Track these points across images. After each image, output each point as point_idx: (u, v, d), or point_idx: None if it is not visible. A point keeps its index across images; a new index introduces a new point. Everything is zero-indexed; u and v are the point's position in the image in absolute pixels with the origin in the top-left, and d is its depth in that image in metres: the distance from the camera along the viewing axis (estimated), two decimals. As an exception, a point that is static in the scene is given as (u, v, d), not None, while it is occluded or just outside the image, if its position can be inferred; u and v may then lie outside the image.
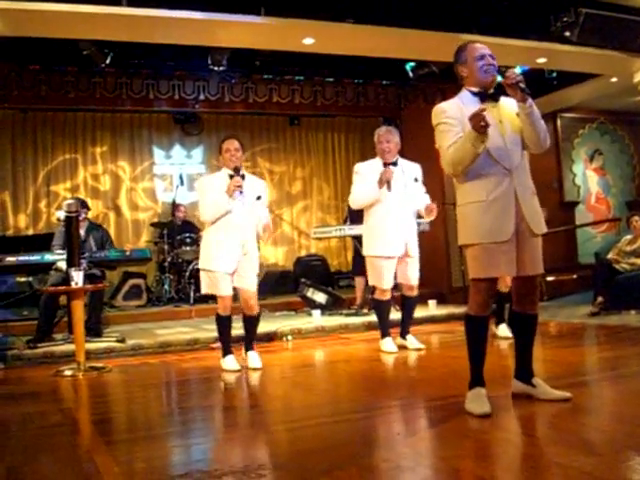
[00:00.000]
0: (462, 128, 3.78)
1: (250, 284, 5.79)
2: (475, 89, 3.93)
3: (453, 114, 3.84)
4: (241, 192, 5.67)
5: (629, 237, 8.87)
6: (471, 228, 3.86)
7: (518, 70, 9.06)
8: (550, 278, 9.30)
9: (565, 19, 7.61)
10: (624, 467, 2.93)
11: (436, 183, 6.61)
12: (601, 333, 7.33)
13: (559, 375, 4.64)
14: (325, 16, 7.27)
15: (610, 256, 8.80)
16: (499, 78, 3.88)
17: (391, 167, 6.23)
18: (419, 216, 6.48)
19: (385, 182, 6.13)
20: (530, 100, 3.75)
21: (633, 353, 5.83)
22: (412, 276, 6.37)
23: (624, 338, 6.77)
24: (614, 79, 9.85)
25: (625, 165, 12.84)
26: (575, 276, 10.40)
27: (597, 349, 6.75)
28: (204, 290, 5.87)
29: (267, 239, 6.19)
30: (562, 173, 11.88)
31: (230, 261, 5.65)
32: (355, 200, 6.44)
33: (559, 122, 11.62)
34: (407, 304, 6.57)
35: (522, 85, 3.70)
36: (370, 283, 6.55)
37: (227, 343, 5.87)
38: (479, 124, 3.58)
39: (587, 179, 12.32)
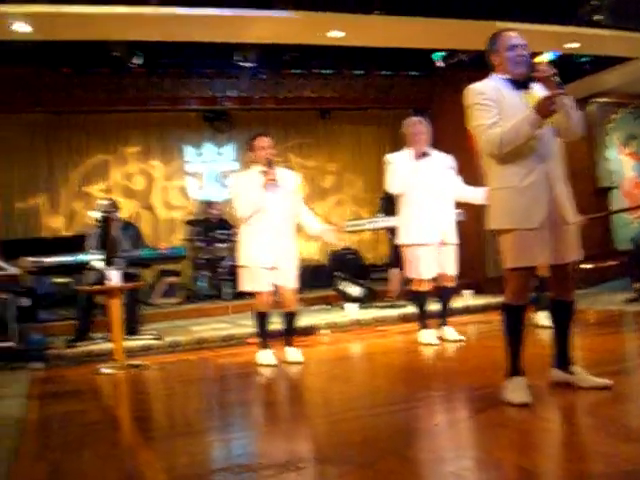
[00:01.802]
0: (498, 111, 3.75)
1: (289, 281, 5.80)
2: (506, 76, 3.89)
3: (490, 95, 3.79)
4: (276, 183, 5.69)
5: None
6: (502, 213, 3.83)
7: (549, 56, 8.98)
8: (587, 265, 9.18)
9: (593, 2, 7.51)
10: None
11: (471, 171, 6.53)
12: (639, 320, 7.24)
13: (598, 363, 4.59)
14: (353, 8, 7.25)
15: (647, 242, 8.68)
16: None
17: (422, 162, 6.20)
18: (459, 205, 6.41)
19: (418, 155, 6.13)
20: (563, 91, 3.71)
21: (673, 339, 5.76)
22: (449, 266, 6.33)
23: (663, 324, 6.69)
24: (647, 62, 9.71)
25: (660, 150, 12.62)
26: (612, 263, 10.27)
27: (636, 336, 6.66)
28: (243, 287, 5.89)
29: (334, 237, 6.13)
30: (595, 159, 11.72)
31: (268, 256, 5.66)
32: (392, 183, 6.34)
33: (591, 107, 11.47)
34: (444, 295, 6.51)
35: (556, 78, 3.66)
36: (407, 274, 6.50)
37: (265, 338, 5.89)
38: (549, 108, 3.56)
39: (622, 164, 12.14)
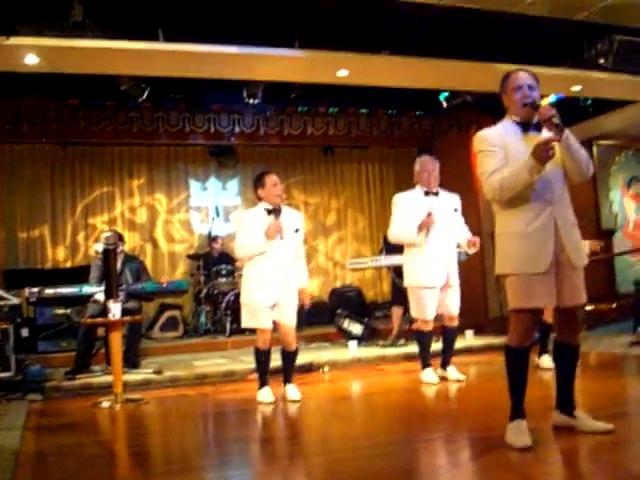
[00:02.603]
0: (504, 155, 3.77)
1: (290, 319, 5.79)
2: (517, 119, 3.92)
3: (495, 141, 3.83)
4: (281, 238, 5.70)
5: (669, 265, 8.73)
6: (509, 258, 3.83)
7: (552, 99, 9.05)
8: (589, 308, 9.16)
9: (599, 46, 7.57)
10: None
11: (472, 212, 6.59)
12: (642, 363, 7.21)
13: (601, 406, 4.55)
14: (359, 48, 7.31)
15: (650, 285, 8.67)
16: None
17: (432, 200, 6.23)
18: (458, 246, 6.44)
19: (425, 228, 6.13)
20: (566, 132, 3.72)
21: (676, 384, 5.72)
22: (453, 306, 6.30)
23: (666, 368, 6.65)
24: (650, 105, 9.78)
25: (663, 192, 12.65)
26: (614, 305, 10.23)
27: (638, 380, 6.62)
28: (245, 324, 5.86)
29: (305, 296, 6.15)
30: (599, 201, 11.75)
31: (270, 295, 5.65)
32: (395, 235, 6.40)
33: (595, 149, 11.53)
34: (448, 334, 6.48)
35: (555, 120, 3.67)
36: (413, 314, 6.48)
37: (264, 375, 5.86)
38: (545, 153, 3.57)
39: (624, 206, 12.17)
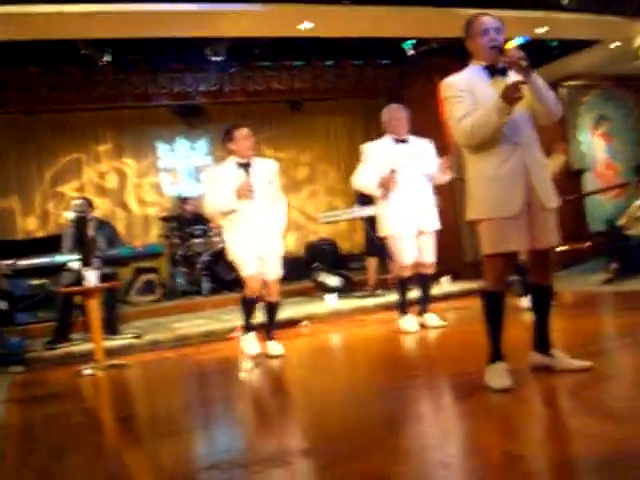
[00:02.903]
0: (472, 100, 3.77)
1: (273, 270, 5.80)
2: (483, 63, 3.90)
3: (462, 87, 3.81)
4: (252, 192, 5.65)
5: (639, 202, 8.82)
6: (479, 203, 3.85)
7: (518, 42, 9.01)
8: (562, 247, 9.26)
9: (561, -14, 7.56)
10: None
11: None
12: (617, 300, 7.32)
13: (577, 345, 4.63)
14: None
15: (621, 222, 8.77)
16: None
17: (402, 147, 6.22)
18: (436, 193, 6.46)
19: (384, 189, 6.14)
20: (534, 75, 3.72)
21: (650, 318, 5.82)
22: (427, 253, 6.32)
23: (640, 304, 6.76)
24: (614, 44, 9.80)
25: (631, 130, 12.73)
26: (587, 244, 10.36)
27: (613, 316, 6.73)
28: (242, 274, 5.81)
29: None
30: (568, 142, 11.81)
31: (252, 243, 5.66)
32: (357, 184, 6.49)
33: (562, 91, 11.55)
34: (424, 281, 6.51)
35: (523, 63, 3.66)
36: (395, 263, 6.51)
37: (250, 322, 5.88)
38: (514, 95, 3.57)
39: (593, 146, 12.25)
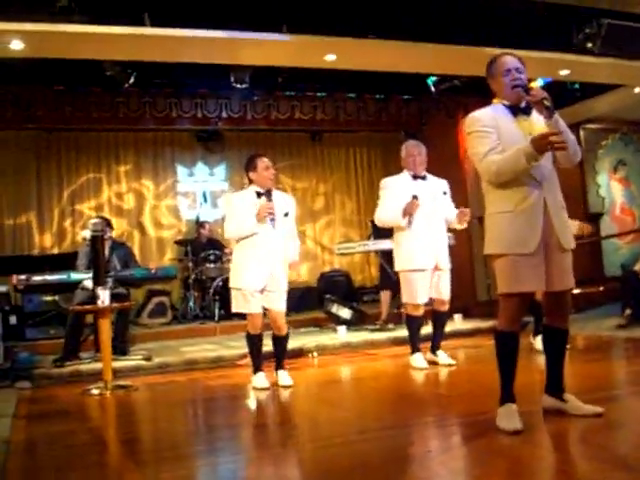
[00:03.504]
0: (496, 137, 3.78)
1: (279, 304, 5.76)
2: (506, 102, 3.92)
3: (487, 122, 3.82)
4: (272, 219, 5.67)
5: (656, 248, 8.77)
6: (496, 238, 3.83)
7: (540, 83, 9.05)
8: (576, 291, 9.21)
9: (587, 30, 7.57)
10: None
11: (460, 198, 6.59)
12: (630, 346, 7.24)
13: (589, 389, 4.57)
14: (346, 32, 7.26)
15: (637, 267, 8.70)
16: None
17: (419, 184, 6.22)
18: (449, 230, 6.44)
19: (409, 212, 6.12)
20: (556, 116, 3.73)
21: (663, 366, 5.77)
22: (444, 290, 6.28)
23: (653, 351, 6.70)
24: (637, 89, 9.81)
25: (649, 175, 12.71)
26: (601, 288, 10.29)
27: (626, 362, 6.67)
28: (235, 309, 5.82)
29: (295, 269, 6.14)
30: (586, 184, 11.79)
31: (259, 279, 5.63)
32: (381, 219, 6.38)
33: (582, 133, 11.56)
34: (438, 319, 6.48)
35: (547, 103, 3.69)
36: (404, 300, 6.44)
37: (258, 361, 5.84)
38: (546, 145, 3.58)
39: (611, 190, 12.21)
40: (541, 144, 3.57)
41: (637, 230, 12.04)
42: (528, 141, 3.64)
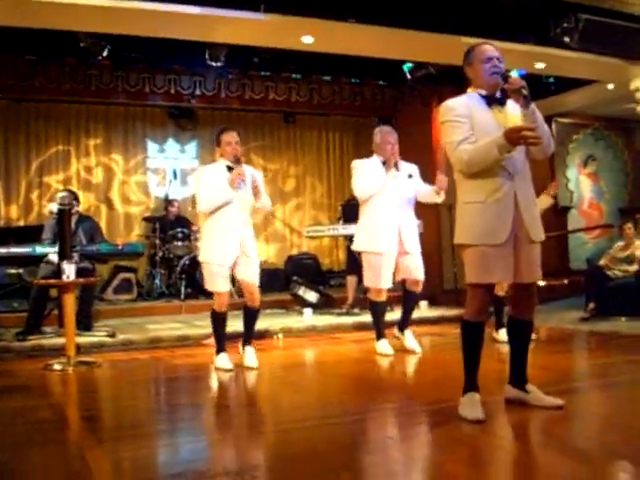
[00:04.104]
0: (470, 126, 3.78)
1: (252, 276, 5.73)
2: (482, 91, 3.93)
3: (462, 111, 3.82)
4: (244, 181, 5.61)
5: (621, 244, 8.87)
6: (468, 228, 3.84)
7: (515, 74, 9.07)
8: (542, 283, 9.31)
9: (565, 24, 7.61)
10: (616, 475, 2.94)
11: (431, 184, 6.59)
12: (592, 339, 7.34)
13: (551, 381, 4.62)
14: (325, 14, 7.23)
15: (602, 262, 8.81)
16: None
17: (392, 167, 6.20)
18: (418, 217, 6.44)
19: (392, 166, 6.11)
20: (532, 106, 3.75)
21: (624, 360, 5.84)
22: (417, 270, 6.26)
23: (615, 345, 6.78)
24: (611, 85, 9.89)
25: (618, 171, 12.85)
26: (566, 281, 10.41)
27: (588, 355, 6.76)
28: (207, 286, 5.76)
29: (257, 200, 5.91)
30: (556, 178, 11.89)
31: (229, 253, 5.60)
32: (361, 189, 6.21)
33: (554, 126, 11.64)
34: (410, 299, 6.47)
35: (525, 92, 3.70)
36: (366, 283, 6.45)
37: (221, 340, 5.81)
38: (518, 139, 3.58)
39: (580, 184, 12.35)
40: (514, 137, 3.58)
41: (604, 225, 12.17)
42: (502, 132, 3.65)
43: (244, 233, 5.69)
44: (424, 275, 6.36)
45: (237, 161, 5.65)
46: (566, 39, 7.64)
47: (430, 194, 6.25)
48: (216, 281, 5.64)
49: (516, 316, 4.04)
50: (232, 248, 5.61)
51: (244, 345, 5.87)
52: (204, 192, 5.67)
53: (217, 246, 5.62)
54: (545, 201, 6.91)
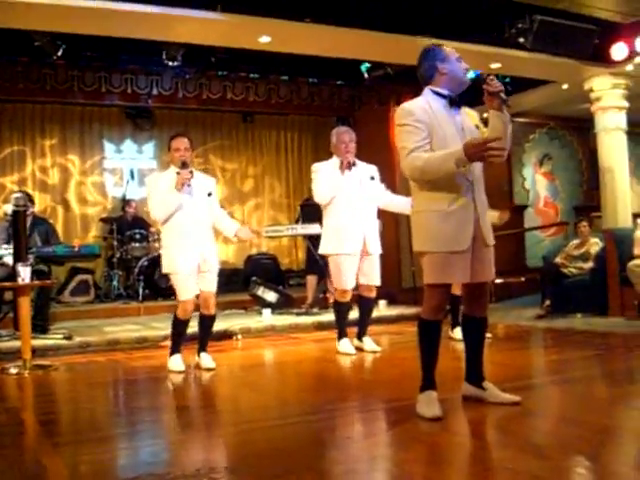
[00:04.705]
0: (429, 132, 3.76)
1: (211, 285, 5.72)
2: (444, 91, 3.90)
3: (420, 117, 3.77)
4: (189, 185, 5.59)
5: (576, 242, 9.01)
6: (429, 236, 3.83)
7: (471, 75, 9.15)
8: (498, 280, 9.41)
9: (519, 25, 7.70)
10: (572, 470, 2.99)
11: (390, 185, 6.63)
12: (548, 336, 7.44)
13: (508, 378, 4.68)
14: (282, 15, 7.23)
15: (558, 260, 8.93)
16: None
17: (347, 172, 6.20)
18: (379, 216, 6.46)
19: (347, 166, 6.11)
20: (505, 110, 3.78)
21: (579, 357, 5.93)
22: (373, 276, 6.28)
23: (570, 341, 6.89)
24: (565, 86, 10.04)
25: (573, 170, 13.06)
26: (523, 279, 10.53)
27: (544, 352, 6.84)
28: (180, 298, 5.67)
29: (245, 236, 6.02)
30: (512, 177, 12.05)
31: (191, 259, 5.57)
32: (321, 194, 6.22)
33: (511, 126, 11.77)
34: (365, 305, 6.48)
35: (503, 95, 3.72)
36: (334, 285, 6.47)
37: (178, 344, 5.79)
38: (480, 155, 3.57)
39: (536, 183, 12.51)
40: (475, 153, 3.55)
41: (559, 223, 12.37)
42: (460, 135, 3.68)
43: (203, 240, 5.67)
44: (382, 275, 6.38)
45: (184, 166, 5.62)
46: (521, 40, 7.74)
47: (404, 205, 6.16)
48: (182, 289, 5.61)
49: (470, 314, 4.07)
50: (193, 254, 5.59)
51: (199, 352, 5.85)
52: (154, 200, 5.66)
53: (178, 255, 5.58)
54: (492, 217, 6.94)
